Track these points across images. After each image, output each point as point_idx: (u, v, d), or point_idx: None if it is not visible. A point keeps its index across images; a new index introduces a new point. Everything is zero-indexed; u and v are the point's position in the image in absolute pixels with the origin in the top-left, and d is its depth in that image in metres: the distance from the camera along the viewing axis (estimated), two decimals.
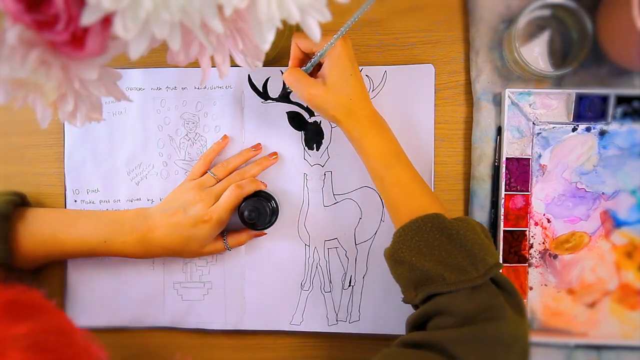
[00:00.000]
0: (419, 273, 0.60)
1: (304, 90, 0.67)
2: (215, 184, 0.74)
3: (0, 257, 0.68)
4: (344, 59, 0.66)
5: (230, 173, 0.76)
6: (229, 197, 0.71)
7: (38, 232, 0.71)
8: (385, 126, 0.69)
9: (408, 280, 0.62)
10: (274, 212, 0.75)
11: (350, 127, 0.67)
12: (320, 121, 0.77)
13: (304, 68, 0.68)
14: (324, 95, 0.66)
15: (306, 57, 0.70)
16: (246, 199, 0.73)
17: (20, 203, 0.74)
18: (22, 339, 0.37)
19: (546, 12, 0.73)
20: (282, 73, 0.76)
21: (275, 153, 0.78)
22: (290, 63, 0.70)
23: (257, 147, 0.78)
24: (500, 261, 0.74)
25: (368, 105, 0.68)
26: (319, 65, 0.69)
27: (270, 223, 0.75)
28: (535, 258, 0.75)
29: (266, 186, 0.76)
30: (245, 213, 0.71)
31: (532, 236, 0.75)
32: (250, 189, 0.73)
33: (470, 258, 0.59)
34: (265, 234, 0.77)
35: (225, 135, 0.78)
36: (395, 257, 0.63)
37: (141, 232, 0.71)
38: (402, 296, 0.65)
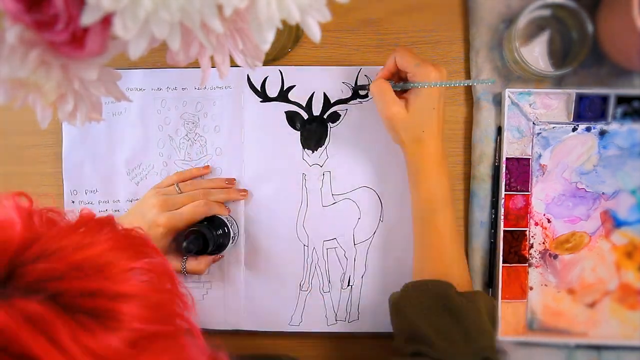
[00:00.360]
0: (413, 330, 0.63)
1: (386, 105, 0.66)
2: None
3: None
4: (435, 91, 0.66)
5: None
6: (192, 210, 0.71)
7: None
8: (445, 168, 0.69)
9: (401, 331, 0.66)
10: (226, 237, 0.73)
11: (413, 157, 0.68)
12: (319, 121, 0.77)
13: (393, 85, 0.68)
14: (403, 118, 0.66)
15: (398, 72, 0.69)
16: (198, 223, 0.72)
17: None
18: (139, 273, 0.39)
19: (546, 12, 0.73)
20: (281, 72, 0.76)
21: (245, 190, 0.77)
22: (380, 73, 0.70)
23: (231, 181, 0.77)
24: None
25: (438, 143, 0.68)
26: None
27: (216, 250, 0.72)
28: (536, 258, 0.75)
29: (229, 212, 0.76)
30: (184, 244, 0.67)
31: (532, 236, 0.75)
32: (215, 210, 0.73)
33: (464, 335, 0.61)
34: (222, 256, 0.76)
35: (208, 165, 0.78)
36: (398, 306, 0.67)
37: None
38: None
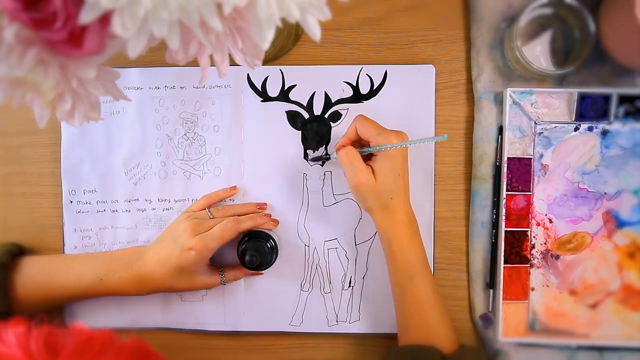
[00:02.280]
0: None
1: (355, 175, 0.67)
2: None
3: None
4: (398, 157, 0.67)
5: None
6: (222, 227, 0.70)
7: (34, 279, 0.72)
8: (417, 231, 0.70)
9: None
10: (274, 251, 0.74)
11: (384, 224, 0.68)
12: (320, 121, 0.77)
13: (360, 150, 0.68)
14: (372, 185, 0.66)
15: (359, 140, 0.70)
16: (246, 239, 0.72)
17: (18, 252, 0.75)
18: None
19: (548, 11, 0.72)
20: (282, 71, 0.76)
21: (277, 221, 0.77)
22: (342, 140, 0.70)
23: (262, 206, 0.77)
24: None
25: (406, 207, 0.69)
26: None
27: (270, 264, 0.73)
28: (537, 259, 0.74)
29: (275, 226, 0.77)
30: (247, 257, 0.70)
31: (534, 236, 0.74)
32: (247, 225, 0.72)
33: None
34: (263, 274, 0.77)
35: (235, 186, 0.78)
36: None
37: (136, 267, 0.71)
38: None
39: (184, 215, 0.74)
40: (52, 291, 0.72)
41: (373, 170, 0.67)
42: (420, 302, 0.67)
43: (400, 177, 0.67)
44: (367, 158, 0.69)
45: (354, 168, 0.67)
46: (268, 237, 0.74)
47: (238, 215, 0.74)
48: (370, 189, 0.66)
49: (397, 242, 0.68)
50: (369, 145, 0.68)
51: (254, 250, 0.70)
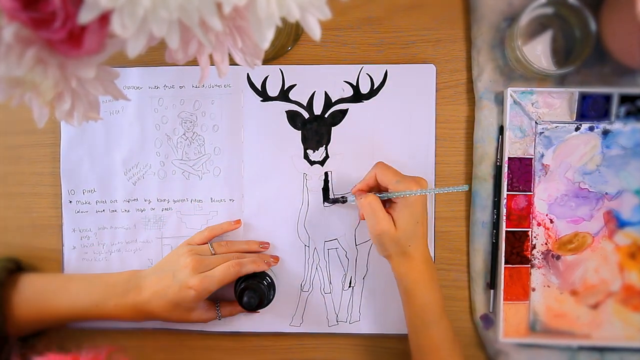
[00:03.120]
0: None
1: (378, 223, 0.66)
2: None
3: None
4: (418, 205, 0.66)
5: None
6: (225, 271, 0.69)
7: (30, 298, 0.71)
8: (435, 278, 0.69)
9: None
10: (271, 288, 0.73)
11: (402, 270, 0.67)
12: (320, 121, 0.77)
13: (379, 195, 0.68)
14: (392, 234, 0.66)
15: (376, 185, 0.70)
16: (243, 278, 0.72)
17: (15, 269, 0.74)
18: None
19: (549, 10, 0.72)
20: (282, 71, 0.76)
21: (277, 257, 0.77)
22: (360, 185, 0.70)
23: (265, 245, 0.77)
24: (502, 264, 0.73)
25: (425, 254, 0.68)
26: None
27: (269, 302, 0.73)
28: (538, 259, 0.74)
29: (272, 264, 0.75)
30: (245, 299, 0.69)
31: (535, 237, 0.74)
32: (249, 270, 0.71)
33: None
34: (259, 312, 0.77)
35: (239, 220, 0.77)
36: None
37: (133, 296, 0.70)
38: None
39: (185, 249, 0.73)
40: (46, 313, 0.71)
41: (393, 218, 0.66)
42: (438, 349, 0.67)
43: (419, 225, 0.66)
44: (384, 203, 0.68)
45: (376, 217, 0.66)
46: (264, 274, 0.73)
47: (240, 252, 0.75)
48: (391, 238, 0.66)
49: (415, 288, 0.67)
50: (387, 190, 0.68)
51: (252, 291, 0.69)
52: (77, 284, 0.72)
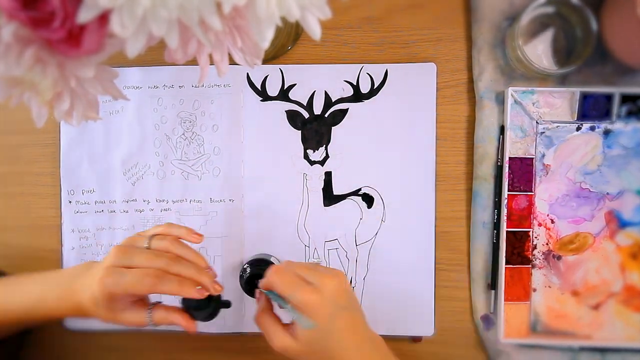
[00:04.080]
0: None
1: (270, 340, 0.59)
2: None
3: None
4: (319, 311, 0.56)
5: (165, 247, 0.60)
6: (138, 277, 0.56)
7: None
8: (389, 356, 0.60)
9: None
10: (216, 306, 0.63)
11: None
12: (320, 121, 0.76)
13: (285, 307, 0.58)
14: (294, 350, 0.57)
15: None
16: (248, 266, 0.69)
17: None
18: None
19: (550, 10, 0.72)
20: (282, 71, 0.76)
21: (222, 287, 0.60)
22: (262, 282, 0.62)
23: (195, 235, 0.63)
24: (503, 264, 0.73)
25: (360, 345, 0.59)
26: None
27: (206, 319, 0.64)
28: (539, 259, 0.74)
29: (209, 291, 0.59)
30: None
31: (536, 237, 0.74)
32: (169, 288, 0.56)
33: None
34: (195, 330, 0.61)
35: (202, 235, 0.62)
36: None
37: (73, 287, 0.60)
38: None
39: (128, 240, 0.62)
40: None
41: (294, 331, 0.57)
42: None
43: (329, 331, 0.55)
44: None
45: (268, 335, 0.59)
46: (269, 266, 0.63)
47: (178, 239, 0.62)
48: (296, 353, 0.57)
49: None
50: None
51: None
52: (34, 280, 0.64)
